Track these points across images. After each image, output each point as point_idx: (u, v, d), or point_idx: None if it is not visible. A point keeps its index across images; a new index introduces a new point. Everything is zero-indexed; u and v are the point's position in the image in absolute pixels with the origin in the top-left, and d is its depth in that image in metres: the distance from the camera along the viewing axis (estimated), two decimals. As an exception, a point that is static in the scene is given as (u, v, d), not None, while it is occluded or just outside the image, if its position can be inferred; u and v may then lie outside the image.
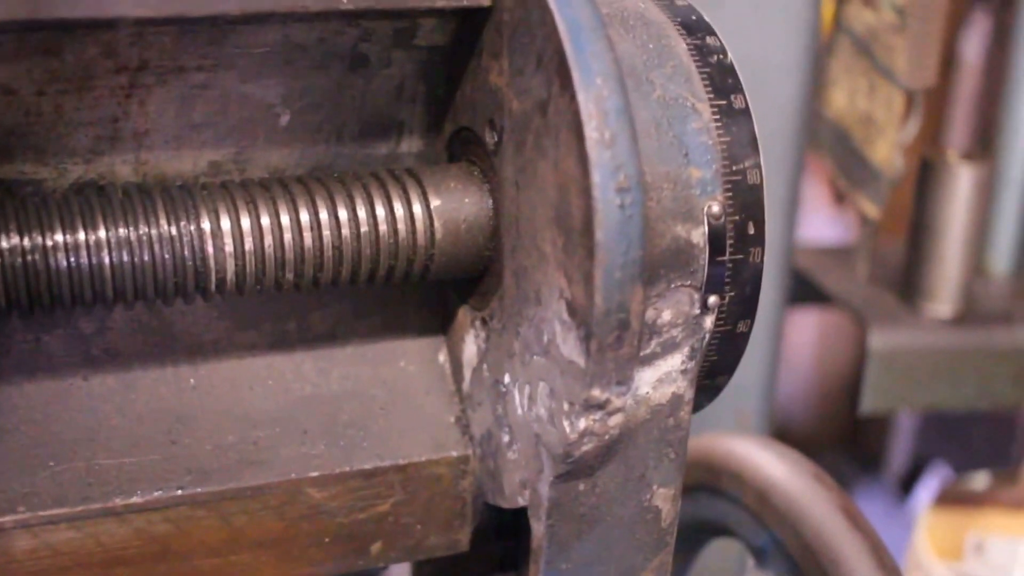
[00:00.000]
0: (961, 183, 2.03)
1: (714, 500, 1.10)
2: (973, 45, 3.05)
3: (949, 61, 2.93)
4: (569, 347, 0.74)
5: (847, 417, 3.59)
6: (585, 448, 0.76)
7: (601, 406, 0.74)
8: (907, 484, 3.46)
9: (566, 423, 0.75)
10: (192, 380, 0.85)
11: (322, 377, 0.88)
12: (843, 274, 2.27)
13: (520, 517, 0.98)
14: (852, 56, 2.10)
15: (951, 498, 2.69)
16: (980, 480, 2.72)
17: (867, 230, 2.22)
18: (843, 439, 3.63)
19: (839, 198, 2.22)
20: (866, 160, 2.10)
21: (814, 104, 2.12)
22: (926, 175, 2.07)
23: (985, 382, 2.08)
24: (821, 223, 3.03)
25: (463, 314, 0.88)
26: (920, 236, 2.10)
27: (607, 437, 0.76)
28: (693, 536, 1.15)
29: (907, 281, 2.15)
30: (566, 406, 0.75)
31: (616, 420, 0.76)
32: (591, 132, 0.70)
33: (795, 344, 3.46)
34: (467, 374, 0.88)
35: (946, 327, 2.09)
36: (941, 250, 2.07)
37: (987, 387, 2.09)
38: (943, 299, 2.09)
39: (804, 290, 2.27)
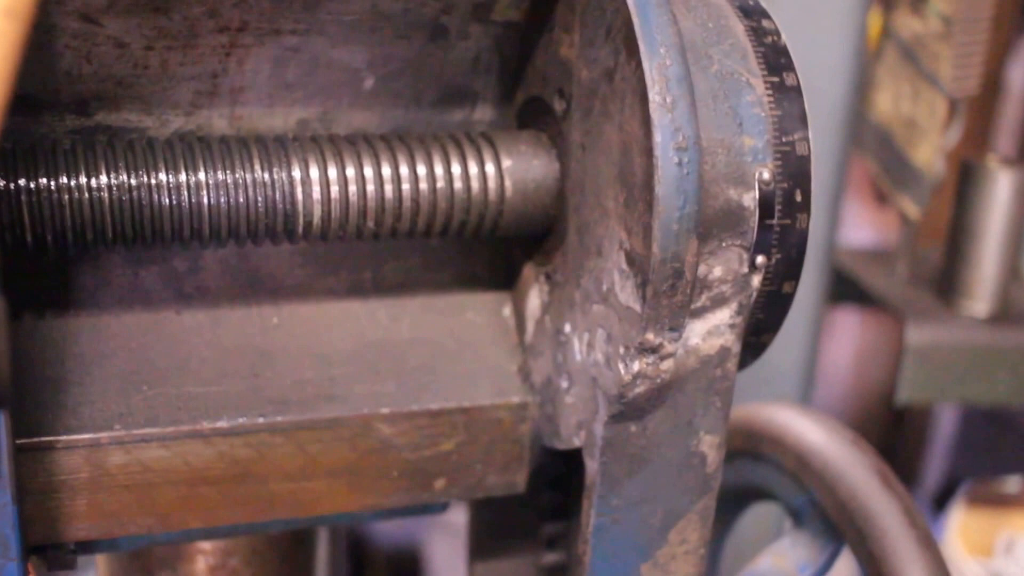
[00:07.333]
0: (1000, 187, 2.07)
1: (754, 465, 1.14)
2: (1019, 71, 3.07)
3: (995, 78, 2.96)
4: (627, 294, 0.80)
5: (882, 438, 3.60)
6: (638, 390, 0.81)
7: (654, 350, 0.80)
8: (940, 503, 3.48)
9: (621, 365, 0.81)
10: (275, 319, 0.91)
11: (394, 323, 0.94)
12: (883, 274, 2.31)
13: (572, 470, 1.03)
14: (898, 62, 2.14)
15: (983, 499, 2.71)
16: (1012, 483, 2.75)
17: (907, 231, 2.26)
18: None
19: (880, 199, 2.25)
20: (908, 162, 2.14)
21: (859, 107, 2.17)
22: (967, 179, 2.11)
23: (1018, 379, 2.11)
24: (861, 226, 3.05)
25: (528, 270, 0.94)
26: (959, 238, 2.14)
27: (658, 380, 0.81)
28: (734, 501, 1.18)
29: (945, 281, 2.19)
30: (622, 349, 0.81)
31: (667, 365, 0.81)
32: (654, 96, 0.76)
33: (829, 369, 3.46)
34: (530, 326, 0.94)
35: (981, 325, 2.12)
36: (979, 251, 2.11)
37: (1020, 383, 2.12)
38: (979, 298, 2.13)
39: (844, 289, 2.31)
